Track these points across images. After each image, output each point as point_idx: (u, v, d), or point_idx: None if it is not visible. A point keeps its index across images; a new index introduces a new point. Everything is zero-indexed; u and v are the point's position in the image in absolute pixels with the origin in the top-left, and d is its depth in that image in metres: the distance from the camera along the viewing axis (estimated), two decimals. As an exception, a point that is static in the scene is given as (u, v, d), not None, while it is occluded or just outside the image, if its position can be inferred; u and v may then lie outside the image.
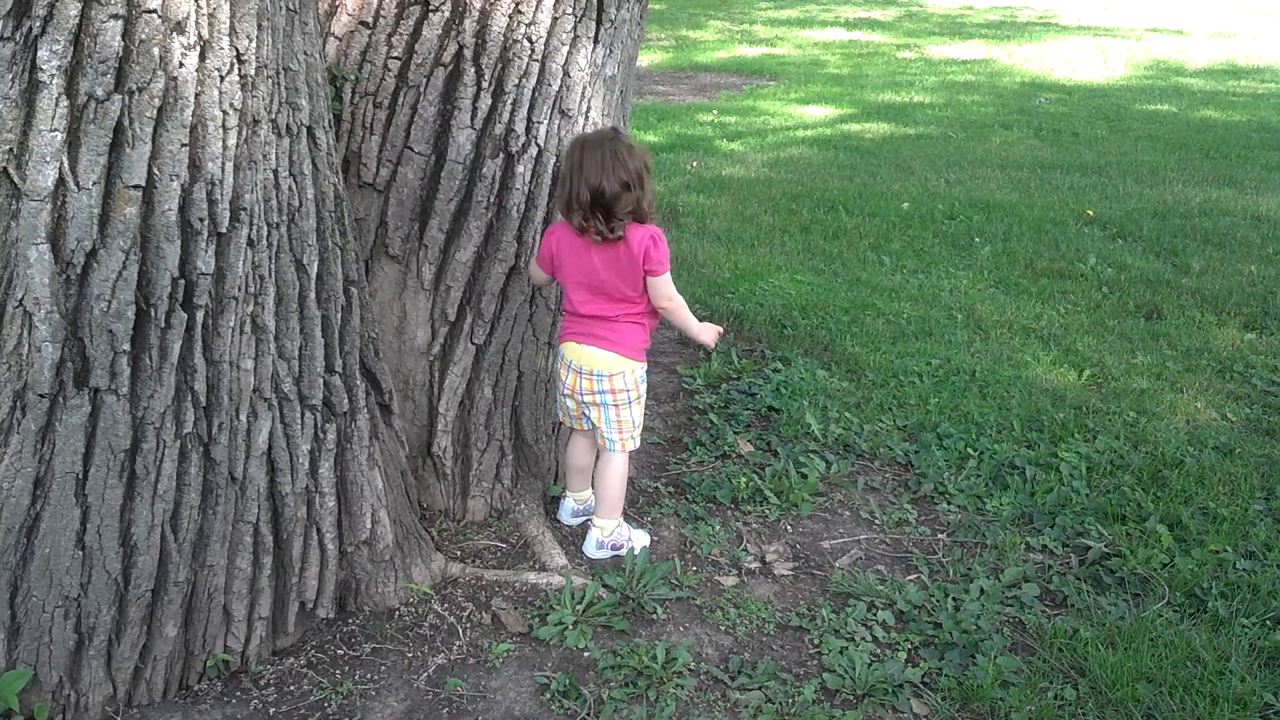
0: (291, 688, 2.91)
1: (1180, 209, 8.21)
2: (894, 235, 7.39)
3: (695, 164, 9.50)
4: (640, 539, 3.63)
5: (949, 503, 3.99)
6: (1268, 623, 3.28)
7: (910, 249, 7.10)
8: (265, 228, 2.67)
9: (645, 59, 16.36)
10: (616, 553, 3.57)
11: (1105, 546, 3.66)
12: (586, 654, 3.10)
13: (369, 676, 2.97)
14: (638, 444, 3.52)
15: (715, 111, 12.44)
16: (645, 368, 3.46)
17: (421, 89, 3.34)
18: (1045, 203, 8.35)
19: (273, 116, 2.65)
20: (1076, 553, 3.68)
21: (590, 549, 3.58)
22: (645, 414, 4.55)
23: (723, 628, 3.26)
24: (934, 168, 9.68)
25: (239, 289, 2.60)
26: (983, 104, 13.53)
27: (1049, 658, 3.13)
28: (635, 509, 3.86)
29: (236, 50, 2.47)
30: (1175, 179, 9.35)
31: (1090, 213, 7.97)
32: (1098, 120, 12.45)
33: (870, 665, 3.06)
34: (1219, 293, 6.23)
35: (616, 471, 3.52)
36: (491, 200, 3.42)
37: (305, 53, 2.80)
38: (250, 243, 2.61)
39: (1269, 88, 15.72)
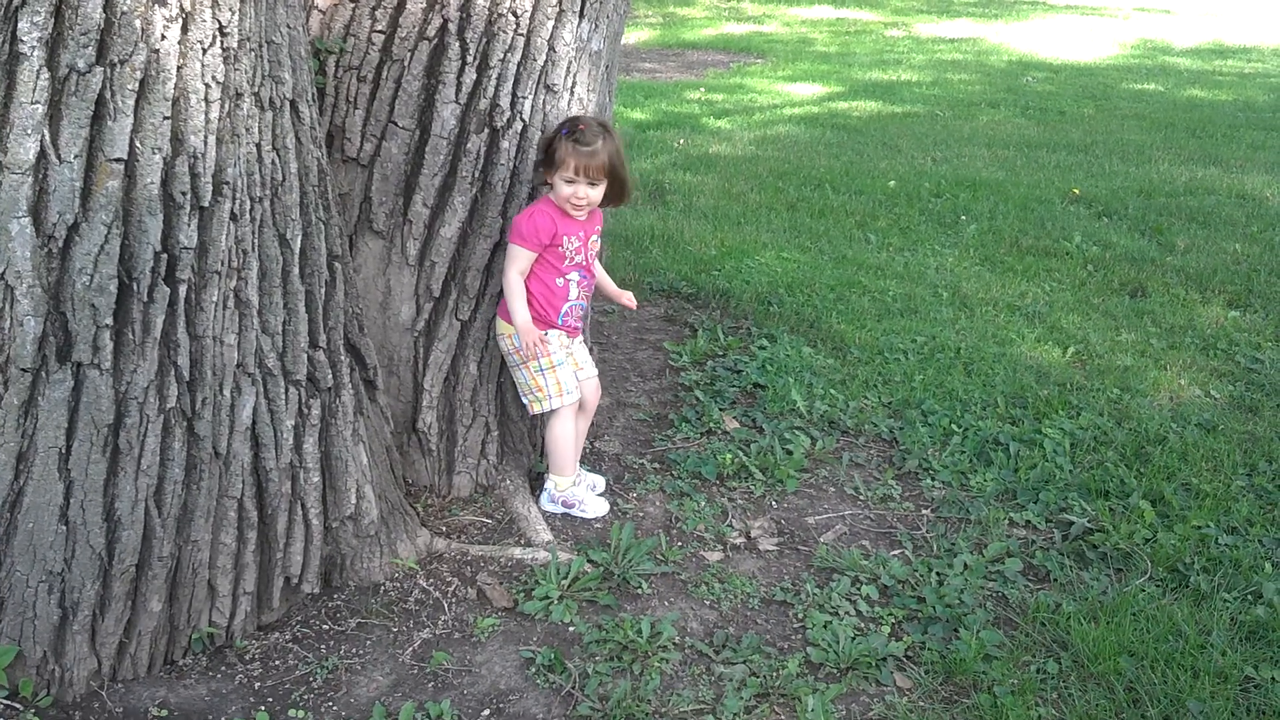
0: (276, 662, 2.92)
1: (1165, 187, 8.23)
2: (880, 213, 7.39)
3: (682, 141, 9.48)
4: (596, 508, 3.68)
5: (933, 479, 4.00)
6: (1249, 597, 3.31)
7: (896, 227, 7.10)
8: (248, 202, 2.65)
9: (633, 36, 16.31)
10: (567, 510, 3.67)
11: (1088, 522, 3.68)
12: (571, 628, 3.10)
13: (354, 651, 2.98)
14: (554, 406, 3.56)
15: (703, 89, 12.41)
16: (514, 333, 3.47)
17: (405, 63, 3.33)
18: (1031, 181, 8.36)
19: (255, 90, 2.63)
20: (1060, 528, 3.69)
21: (543, 501, 3.71)
22: (632, 390, 4.58)
23: (707, 602, 3.27)
24: (921, 146, 9.68)
25: (222, 263, 2.59)
26: (970, 82, 13.53)
27: (1031, 632, 3.14)
28: (620, 485, 3.86)
29: (219, 23, 2.46)
30: (1161, 158, 9.38)
31: (1076, 191, 7.99)
32: (1084, 99, 12.47)
33: (854, 639, 3.07)
34: (1203, 271, 6.25)
35: (551, 431, 3.64)
36: (476, 175, 3.41)
37: (288, 25, 2.78)
38: (233, 217, 2.60)
39: (1255, 67, 15.76)
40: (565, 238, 3.41)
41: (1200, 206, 7.67)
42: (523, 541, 3.50)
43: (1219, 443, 4.21)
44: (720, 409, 4.41)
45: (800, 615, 3.21)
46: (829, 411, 4.42)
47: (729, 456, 3.99)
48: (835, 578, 3.38)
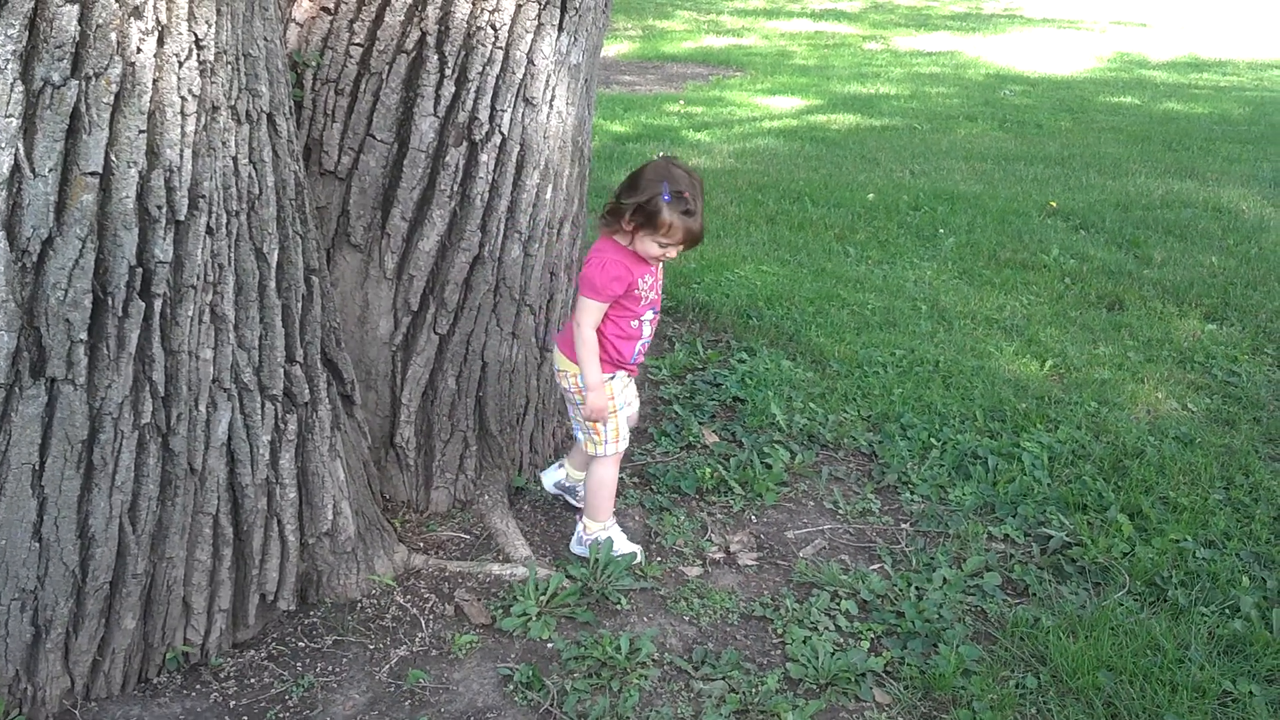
0: (252, 680, 2.89)
1: (1142, 201, 8.27)
2: (859, 226, 7.41)
3: (662, 154, 9.48)
4: (629, 546, 3.52)
5: (912, 492, 4.00)
6: (1226, 611, 3.31)
7: (875, 240, 7.12)
8: (224, 215, 2.63)
9: (612, 49, 16.34)
10: None
11: (1066, 536, 3.68)
12: (550, 645, 3.09)
13: (330, 669, 2.95)
14: (608, 452, 3.42)
15: (682, 102, 12.43)
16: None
17: (384, 76, 3.32)
18: (1009, 194, 8.39)
19: (232, 103, 2.61)
20: (1038, 542, 3.70)
21: (572, 544, 3.57)
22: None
23: (687, 618, 3.26)
24: (899, 159, 9.71)
25: (198, 278, 2.57)
26: (948, 96, 13.59)
27: (1010, 646, 3.14)
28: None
29: (195, 36, 2.44)
30: (1138, 171, 9.43)
31: (1053, 204, 8.02)
32: (1061, 112, 12.53)
33: (833, 654, 3.07)
34: (1180, 284, 6.28)
35: (594, 475, 3.48)
36: (455, 189, 3.40)
37: (265, 38, 2.77)
38: (209, 231, 2.58)
39: (1231, 80, 15.89)
40: (640, 280, 3.24)
41: (1177, 219, 7.71)
42: (501, 557, 3.48)
43: (1196, 456, 4.23)
44: (699, 423, 4.41)
45: (779, 631, 3.21)
46: (808, 425, 4.42)
47: (708, 471, 3.99)
48: (814, 593, 3.38)
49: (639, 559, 3.49)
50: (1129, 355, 5.28)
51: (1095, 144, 10.67)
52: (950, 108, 12.70)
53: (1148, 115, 12.53)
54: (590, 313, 3.23)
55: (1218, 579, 3.45)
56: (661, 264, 3.34)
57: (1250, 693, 2.96)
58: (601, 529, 3.50)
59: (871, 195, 8.17)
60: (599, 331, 3.29)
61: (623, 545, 3.51)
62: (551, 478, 3.78)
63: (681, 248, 3.19)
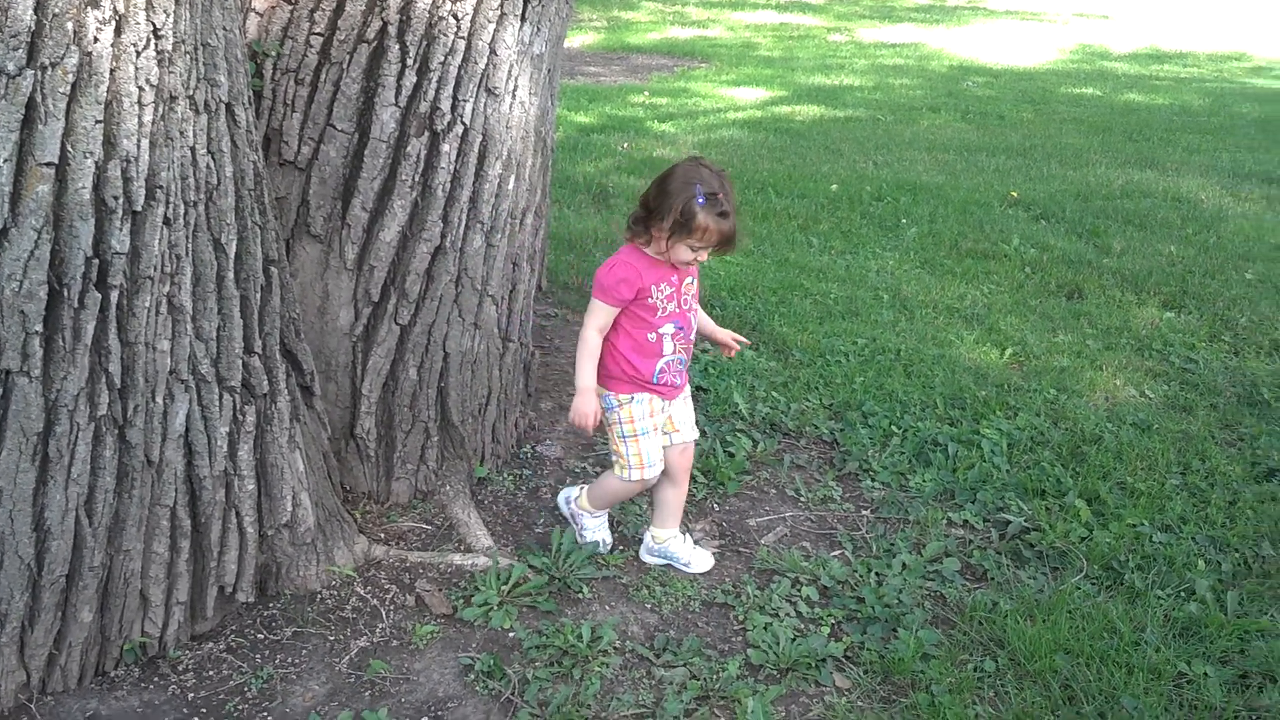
0: (210, 672, 2.88)
1: (1102, 190, 8.35)
2: (822, 216, 7.44)
3: (626, 145, 9.49)
4: (601, 535, 3.53)
5: (873, 479, 4.03)
6: (1181, 594, 3.36)
7: (838, 230, 7.15)
8: (182, 206, 2.62)
9: (577, 40, 16.31)
10: (571, 520, 3.55)
11: (1025, 521, 3.72)
12: (511, 634, 3.09)
13: (290, 660, 2.95)
14: (631, 478, 3.31)
15: (647, 93, 12.43)
16: (615, 399, 3.24)
17: (344, 66, 3.30)
18: (971, 185, 8.45)
19: (190, 93, 2.60)
20: (997, 527, 3.73)
21: (559, 497, 3.63)
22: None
23: (648, 606, 3.27)
24: (863, 150, 9.75)
25: (155, 268, 2.55)
26: (911, 87, 13.66)
27: (969, 630, 3.17)
28: (561, 488, 3.85)
29: (153, 25, 2.43)
30: (1098, 161, 9.51)
31: (1014, 194, 8.08)
32: (1023, 103, 12.63)
33: (794, 640, 3.09)
34: (1139, 273, 6.35)
35: (610, 479, 3.40)
36: (416, 179, 3.39)
37: (224, 28, 2.75)
38: (166, 221, 2.56)
39: (1191, 72, 16.05)
40: (654, 287, 3.13)
41: (1136, 209, 7.79)
42: (463, 547, 3.49)
43: (1153, 442, 4.28)
44: (662, 412, 4.42)
45: (741, 617, 3.22)
46: (770, 414, 4.44)
47: (671, 460, 3.99)
48: (776, 579, 3.40)
49: (602, 548, 3.50)
50: (1088, 343, 5.33)
51: (1056, 135, 10.76)
52: (913, 99, 12.76)
53: (1109, 106, 12.64)
54: (595, 314, 3.16)
55: (1174, 563, 3.49)
56: (693, 280, 3.27)
57: (1205, 674, 2.99)
58: (590, 517, 3.50)
59: (835, 186, 8.20)
60: (612, 345, 3.20)
61: (592, 535, 3.52)
62: (645, 551, 3.54)
63: (714, 251, 3.13)
